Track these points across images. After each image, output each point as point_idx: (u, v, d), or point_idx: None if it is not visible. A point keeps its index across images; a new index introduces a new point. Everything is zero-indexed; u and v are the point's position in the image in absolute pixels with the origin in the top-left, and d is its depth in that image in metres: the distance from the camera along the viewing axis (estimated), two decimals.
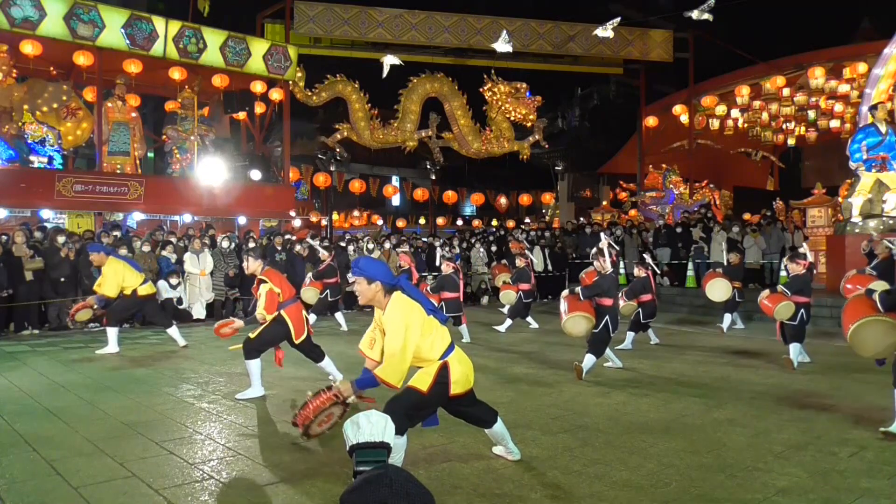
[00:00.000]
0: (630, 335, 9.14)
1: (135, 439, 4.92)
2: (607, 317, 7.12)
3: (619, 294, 8.66)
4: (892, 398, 4.95)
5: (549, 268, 16.79)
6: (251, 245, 13.57)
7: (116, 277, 8.63)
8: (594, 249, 7.64)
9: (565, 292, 7.53)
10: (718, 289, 10.19)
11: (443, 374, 3.85)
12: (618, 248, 12.20)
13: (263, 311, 6.16)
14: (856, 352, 5.26)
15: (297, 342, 6.33)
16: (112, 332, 8.87)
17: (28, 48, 13.48)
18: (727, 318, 10.97)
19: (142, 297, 8.89)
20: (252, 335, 6.25)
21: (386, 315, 3.82)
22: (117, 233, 12.40)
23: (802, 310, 7.67)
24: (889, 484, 3.99)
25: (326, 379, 6.95)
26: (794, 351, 7.71)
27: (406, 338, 3.71)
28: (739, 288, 10.79)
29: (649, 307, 9.14)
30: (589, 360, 7.08)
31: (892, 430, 4.84)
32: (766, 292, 7.90)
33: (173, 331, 9.32)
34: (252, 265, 6.43)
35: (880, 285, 5.95)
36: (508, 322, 11.25)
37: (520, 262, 11.64)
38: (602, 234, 8.52)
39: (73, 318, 9.11)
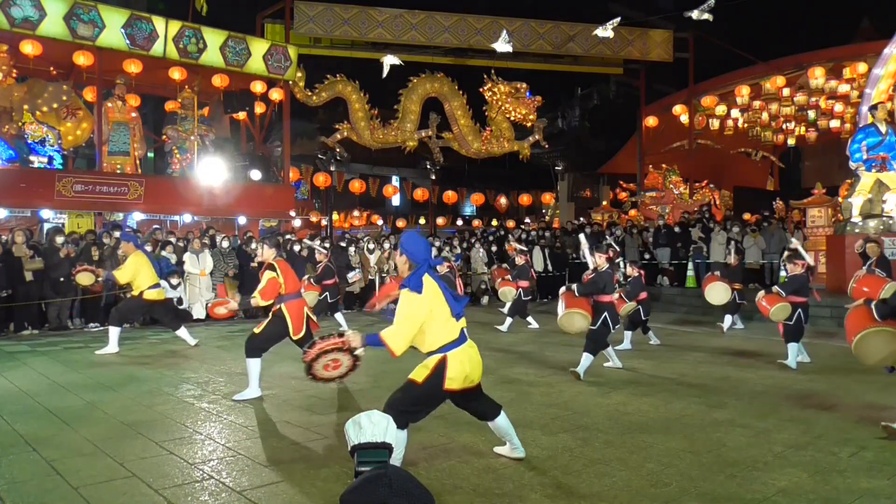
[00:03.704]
0: (628, 334, 9.20)
1: (135, 439, 4.91)
2: (606, 314, 7.11)
3: (619, 295, 8.72)
4: None
5: (549, 268, 16.79)
6: (254, 242, 13.60)
7: (133, 269, 8.75)
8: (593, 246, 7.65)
9: (563, 289, 7.53)
10: (717, 292, 10.24)
11: (440, 368, 3.89)
12: (617, 248, 12.24)
13: (258, 296, 6.15)
14: (861, 362, 5.35)
15: (294, 338, 6.31)
16: (114, 332, 8.88)
17: (28, 48, 13.47)
18: (727, 318, 10.99)
19: (148, 300, 8.91)
20: (256, 330, 6.26)
21: (404, 288, 3.93)
22: (118, 233, 12.39)
23: (800, 310, 7.67)
24: (889, 484, 3.99)
25: None
26: (792, 351, 7.71)
27: (414, 310, 3.81)
28: (740, 289, 10.81)
29: (646, 304, 9.38)
30: (585, 359, 7.06)
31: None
32: (762, 293, 7.91)
33: (182, 332, 9.32)
34: (266, 253, 6.41)
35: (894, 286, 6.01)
36: (509, 321, 11.27)
37: (519, 260, 11.68)
38: (581, 237, 8.59)
39: (74, 277, 9.54)
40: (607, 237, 17.38)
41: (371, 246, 15.36)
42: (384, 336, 3.81)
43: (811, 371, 7.58)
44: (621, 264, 14.70)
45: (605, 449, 4.67)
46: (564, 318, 7.27)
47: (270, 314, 6.29)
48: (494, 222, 27.25)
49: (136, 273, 8.75)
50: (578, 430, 5.13)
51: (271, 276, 6.15)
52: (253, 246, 13.45)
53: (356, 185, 23.23)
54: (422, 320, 3.84)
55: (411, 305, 3.81)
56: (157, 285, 8.99)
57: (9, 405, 5.96)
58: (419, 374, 3.93)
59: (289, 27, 17.72)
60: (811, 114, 20.48)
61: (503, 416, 4.29)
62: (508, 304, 11.62)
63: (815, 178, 19.20)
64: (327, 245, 14.29)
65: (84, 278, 9.58)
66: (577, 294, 7.19)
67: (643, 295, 9.23)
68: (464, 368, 3.93)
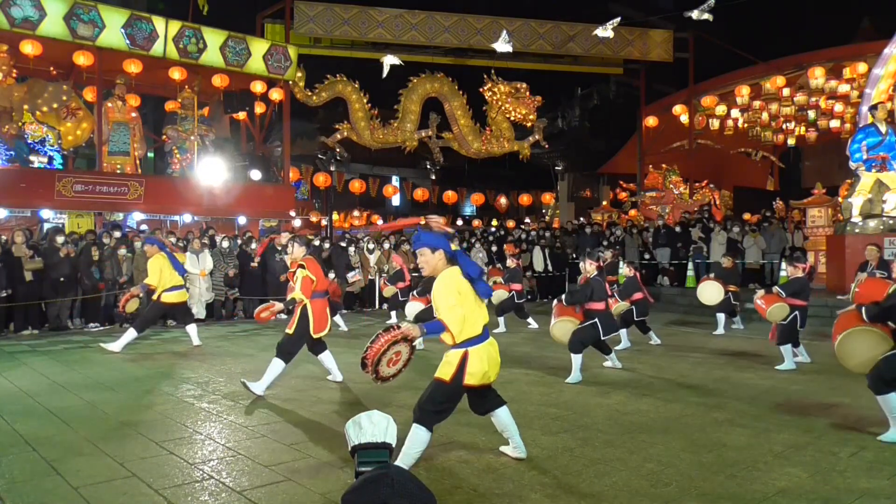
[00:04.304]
0: (623, 333, 9.17)
1: (135, 439, 4.91)
2: (596, 319, 7.10)
3: (612, 296, 8.66)
4: (882, 404, 4.89)
5: (549, 268, 16.80)
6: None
7: (157, 273, 8.88)
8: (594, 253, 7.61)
9: (555, 301, 7.56)
10: (709, 291, 10.25)
11: (462, 363, 3.96)
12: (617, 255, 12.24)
13: (301, 293, 6.26)
14: (842, 363, 5.27)
15: (314, 336, 6.41)
16: (130, 336, 8.90)
17: (28, 48, 13.48)
18: (720, 318, 10.96)
19: (165, 303, 8.99)
20: (289, 331, 6.33)
21: (438, 280, 3.95)
22: (118, 233, 12.39)
23: (797, 312, 7.60)
24: (889, 484, 3.99)
25: (327, 379, 6.97)
26: (787, 354, 7.67)
27: (457, 295, 3.86)
28: (735, 291, 10.78)
29: (641, 305, 9.31)
30: (574, 360, 7.03)
31: (886, 440, 4.79)
32: (761, 292, 7.89)
33: (191, 328, 9.40)
34: (297, 251, 6.51)
35: None
36: (500, 320, 11.29)
37: (511, 263, 11.67)
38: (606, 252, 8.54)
39: (122, 310, 9.49)
40: (607, 237, 17.40)
41: (371, 246, 15.36)
42: (442, 317, 3.85)
43: (811, 371, 7.58)
44: (620, 264, 14.68)
45: (605, 449, 4.67)
46: (555, 327, 7.32)
47: (297, 312, 6.35)
48: (494, 222, 27.25)
49: (158, 275, 8.89)
50: (578, 430, 5.13)
51: (304, 274, 6.26)
52: (253, 246, 13.47)
53: (356, 185, 23.24)
54: (465, 301, 3.88)
55: (452, 295, 3.85)
56: (178, 287, 9.06)
57: (9, 405, 5.96)
58: (445, 371, 3.99)
59: (289, 27, 17.73)
60: (811, 114, 20.48)
61: (505, 410, 4.33)
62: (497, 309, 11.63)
63: (815, 178, 19.21)
64: (316, 244, 14.20)
65: (132, 305, 9.57)
66: (564, 304, 7.23)
67: (638, 295, 9.21)
68: (483, 366, 3.99)
